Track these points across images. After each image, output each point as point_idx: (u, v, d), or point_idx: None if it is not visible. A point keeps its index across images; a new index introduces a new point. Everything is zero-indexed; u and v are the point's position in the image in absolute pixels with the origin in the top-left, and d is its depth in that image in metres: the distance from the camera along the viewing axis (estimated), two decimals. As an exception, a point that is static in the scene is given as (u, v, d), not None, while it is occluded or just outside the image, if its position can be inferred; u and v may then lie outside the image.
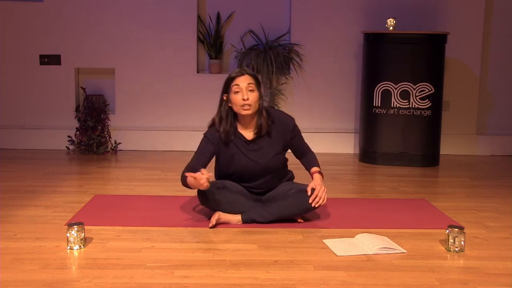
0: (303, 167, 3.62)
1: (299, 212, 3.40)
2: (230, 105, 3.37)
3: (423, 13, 5.64)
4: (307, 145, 3.60)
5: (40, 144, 5.72)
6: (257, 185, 3.48)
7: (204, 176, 3.11)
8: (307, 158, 3.58)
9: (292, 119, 3.50)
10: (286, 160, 3.55)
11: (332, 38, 5.72)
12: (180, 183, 3.36)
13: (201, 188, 3.22)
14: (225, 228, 3.32)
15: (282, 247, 3.02)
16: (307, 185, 3.42)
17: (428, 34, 5.21)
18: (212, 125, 3.45)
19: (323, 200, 3.34)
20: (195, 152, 3.44)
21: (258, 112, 3.38)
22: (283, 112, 3.55)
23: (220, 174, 3.53)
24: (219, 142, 3.39)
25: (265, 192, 3.51)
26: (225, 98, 3.39)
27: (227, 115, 3.38)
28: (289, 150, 3.56)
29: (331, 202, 3.90)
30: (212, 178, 3.28)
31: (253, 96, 3.32)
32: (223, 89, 3.40)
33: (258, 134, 3.41)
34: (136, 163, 5.22)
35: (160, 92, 5.77)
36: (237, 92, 3.31)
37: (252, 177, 3.45)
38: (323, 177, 3.47)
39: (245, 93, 3.29)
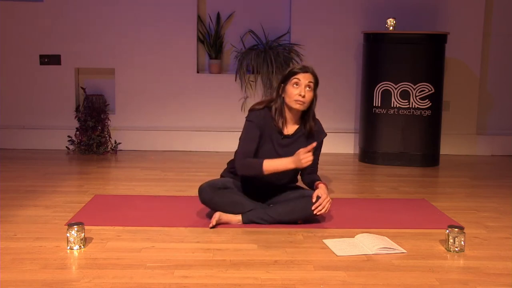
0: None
1: (299, 218, 3.39)
2: (283, 95, 3.38)
3: (423, 13, 5.64)
4: (318, 167, 3.56)
5: (40, 144, 5.72)
6: (270, 183, 3.44)
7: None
8: (313, 176, 3.52)
9: (325, 134, 3.54)
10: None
11: (332, 38, 5.72)
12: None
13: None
14: (225, 228, 3.32)
15: (282, 247, 3.02)
16: (310, 191, 3.42)
17: (428, 34, 5.21)
18: (253, 109, 3.42)
19: (326, 210, 3.33)
20: (241, 138, 3.41)
21: (307, 111, 3.41)
22: (320, 124, 3.55)
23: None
24: (261, 126, 3.36)
25: (268, 196, 3.50)
26: (281, 88, 3.38)
27: (279, 105, 3.39)
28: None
29: (331, 202, 3.90)
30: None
31: (309, 94, 3.34)
32: (282, 79, 3.39)
33: (300, 133, 3.42)
34: (136, 163, 5.22)
35: (160, 92, 5.77)
36: (296, 85, 3.32)
37: (271, 176, 3.36)
38: (327, 188, 3.46)
39: (303, 89, 3.31)
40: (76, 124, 5.64)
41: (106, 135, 5.63)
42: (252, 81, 5.64)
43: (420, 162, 5.24)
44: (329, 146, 5.74)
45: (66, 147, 5.66)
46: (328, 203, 3.33)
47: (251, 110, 3.44)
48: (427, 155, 5.28)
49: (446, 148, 5.64)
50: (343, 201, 4.00)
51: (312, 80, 3.36)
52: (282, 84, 3.38)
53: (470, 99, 5.80)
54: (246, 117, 3.43)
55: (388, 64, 5.22)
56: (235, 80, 5.70)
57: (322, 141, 3.51)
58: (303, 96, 3.31)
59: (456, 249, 3.00)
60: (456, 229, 3.00)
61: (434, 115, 5.22)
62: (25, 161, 5.18)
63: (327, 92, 5.78)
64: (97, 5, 5.66)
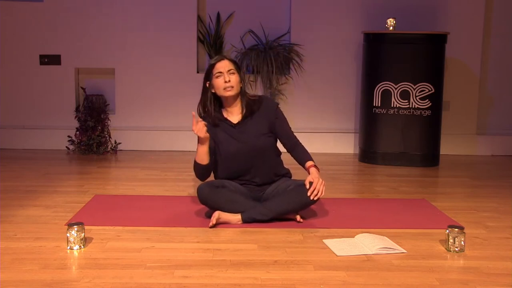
0: (300, 167, 3.60)
1: (298, 207, 3.41)
2: (213, 91, 3.50)
3: (423, 13, 5.64)
4: (295, 135, 3.62)
5: (40, 144, 5.72)
6: (252, 173, 3.49)
7: (201, 123, 3.31)
8: (298, 151, 3.58)
9: (276, 103, 3.65)
10: (275, 144, 3.58)
11: (332, 38, 5.72)
12: (193, 175, 3.47)
13: (200, 135, 3.35)
14: (225, 228, 3.32)
15: (282, 247, 3.03)
16: (302, 180, 3.45)
17: (428, 34, 5.21)
18: (200, 115, 3.58)
19: (321, 193, 3.36)
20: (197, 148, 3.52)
21: (241, 94, 3.52)
22: (268, 97, 3.67)
23: (219, 170, 3.55)
24: (210, 129, 3.46)
25: (262, 184, 3.53)
26: (207, 85, 3.50)
27: (211, 101, 3.52)
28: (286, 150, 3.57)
29: (331, 202, 3.91)
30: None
31: (234, 78, 3.45)
32: (205, 76, 3.52)
33: (246, 114, 3.51)
34: (136, 163, 5.22)
35: (160, 92, 5.77)
36: (218, 76, 3.44)
37: (245, 162, 3.47)
38: (319, 171, 3.48)
39: (226, 76, 3.43)
40: (76, 124, 5.64)
41: (106, 135, 5.63)
42: (252, 81, 5.64)
43: (420, 162, 5.24)
44: (329, 146, 5.79)
45: (66, 147, 5.66)
46: (322, 185, 3.36)
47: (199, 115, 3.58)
48: (427, 155, 5.28)
49: (446, 148, 5.64)
50: (343, 201, 4.00)
51: (232, 66, 3.46)
52: (208, 82, 3.49)
53: (470, 99, 5.80)
54: None
55: (388, 64, 5.22)
56: (235, 80, 5.69)
57: (277, 111, 3.57)
58: (229, 81, 3.42)
59: (456, 249, 3.00)
60: (456, 229, 3.00)
61: (434, 115, 5.22)
62: (25, 161, 5.18)
63: (327, 92, 5.80)
64: (97, 5, 5.66)
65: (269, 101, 3.62)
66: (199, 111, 3.58)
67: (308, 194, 3.34)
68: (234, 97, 3.50)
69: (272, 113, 3.55)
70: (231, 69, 3.45)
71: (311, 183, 3.37)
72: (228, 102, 3.52)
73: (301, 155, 3.56)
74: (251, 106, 3.52)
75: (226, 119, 3.53)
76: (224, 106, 3.55)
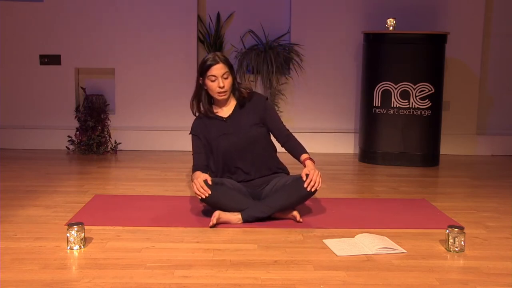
0: (298, 168, 3.60)
1: (297, 200, 3.42)
2: (205, 88, 3.56)
3: (423, 13, 5.64)
4: (287, 128, 3.66)
5: (40, 144, 5.72)
6: (246, 166, 3.53)
7: (206, 192, 3.32)
8: (292, 143, 3.62)
9: (265, 96, 3.74)
10: (268, 136, 3.63)
11: (332, 38, 5.72)
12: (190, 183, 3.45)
13: (197, 192, 3.36)
14: (225, 228, 3.32)
15: (282, 247, 3.03)
16: (297, 175, 3.46)
17: (428, 34, 5.21)
18: (193, 123, 3.66)
19: (318, 184, 3.37)
20: (192, 153, 3.62)
21: (233, 89, 3.58)
22: (257, 92, 3.74)
23: (214, 165, 3.59)
24: (202, 130, 3.57)
25: (258, 177, 3.55)
26: (200, 81, 3.57)
27: (205, 97, 3.59)
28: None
29: (331, 202, 3.91)
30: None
31: (227, 83, 3.51)
32: (199, 72, 3.56)
33: (236, 109, 3.59)
34: (136, 163, 5.22)
35: (160, 92, 5.77)
36: (213, 80, 3.49)
37: (238, 154, 3.52)
38: (314, 163, 3.50)
39: (221, 82, 3.48)
40: (76, 124, 5.64)
41: (106, 135, 5.63)
42: (252, 81, 5.64)
43: (420, 162, 5.24)
44: (329, 146, 5.78)
45: (66, 147, 5.66)
46: (318, 176, 3.37)
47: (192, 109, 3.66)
48: (427, 155, 5.28)
49: (446, 148, 5.64)
50: (343, 201, 4.00)
51: (226, 70, 3.50)
52: (201, 77, 3.55)
53: (470, 99, 5.80)
54: (189, 133, 3.66)
55: (388, 64, 5.22)
56: (235, 80, 5.69)
57: (266, 104, 3.63)
58: (223, 87, 3.48)
59: (456, 249, 3.00)
60: (456, 229, 3.00)
61: (434, 115, 5.22)
62: (25, 161, 5.18)
63: (327, 92, 5.80)
64: (97, 5, 5.66)
65: (258, 95, 3.67)
66: (192, 106, 3.64)
67: (305, 185, 3.35)
68: (226, 98, 3.58)
69: (261, 105, 3.61)
70: (225, 73, 3.49)
71: (307, 176, 3.38)
72: (219, 102, 3.61)
73: (296, 148, 3.60)
74: (242, 101, 3.60)
75: (216, 114, 3.60)
76: (215, 103, 3.63)
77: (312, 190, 3.37)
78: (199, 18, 5.78)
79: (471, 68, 5.76)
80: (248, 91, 3.60)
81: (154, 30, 5.70)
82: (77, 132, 5.59)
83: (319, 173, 3.39)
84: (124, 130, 5.74)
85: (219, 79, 3.47)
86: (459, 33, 5.57)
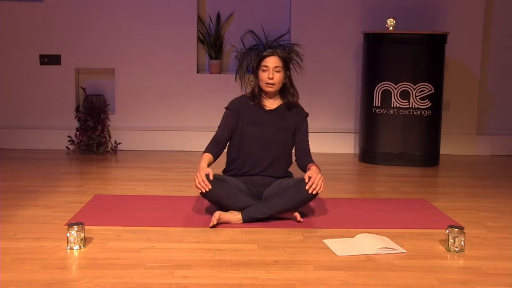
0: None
1: (298, 203, 3.41)
2: (258, 79, 3.64)
3: (423, 13, 5.64)
4: (309, 148, 3.69)
5: (40, 144, 5.72)
6: (258, 163, 3.56)
7: (206, 186, 3.34)
8: (306, 159, 3.63)
9: (307, 114, 3.74)
10: (291, 148, 3.67)
11: (332, 38, 5.72)
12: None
13: (197, 186, 3.38)
14: (225, 228, 3.32)
15: (282, 247, 3.03)
16: (301, 177, 3.45)
17: (428, 34, 5.21)
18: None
19: (320, 187, 3.36)
20: (218, 126, 3.68)
21: (283, 90, 3.65)
22: (302, 108, 3.78)
23: (232, 148, 3.63)
24: (239, 109, 3.63)
25: (262, 176, 3.57)
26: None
27: (258, 87, 3.65)
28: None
29: (331, 202, 3.91)
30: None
31: (277, 77, 3.57)
32: (256, 65, 3.66)
33: (282, 107, 3.64)
34: (136, 163, 5.22)
35: (160, 92, 5.77)
36: (264, 70, 3.57)
37: (258, 148, 3.56)
38: (319, 170, 3.49)
39: (271, 73, 3.55)
40: (76, 124, 5.64)
41: (106, 135, 5.63)
42: (252, 81, 5.62)
43: (420, 162, 5.24)
44: (329, 146, 5.78)
45: (66, 147, 5.66)
46: (321, 180, 3.37)
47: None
48: (427, 155, 5.28)
49: (446, 148, 5.64)
50: (343, 201, 4.00)
51: (279, 64, 3.57)
52: (257, 70, 3.62)
53: (470, 99, 5.80)
54: (226, 106, 3.72)
55: (388, 64, 5.22)
56: (235, 80, 5.69)
57: (304, 120, 3.70)
58: (272, 78, 3.55)
59: (456, 249, 3.00)
60: (456, 229, 3.00)
61: (434, 115, 5.22)
62: (25, 161, 5.18)
63: (327, 92, 5.80)
64: (97, 5, 5.66)
65: (302, 108, 3.73)
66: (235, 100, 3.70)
67: (307, 188, 3.35)
68: (273, 93, 3.63)
69: (302, 117, 3.69)
70: (277, 66, 3.55)
71: (309, 178, 3.38)
72: (266, 94, 3.65)
73: (307, 161, 3.62)
74: (289, 102, 3.65)
75: (259, 104, 3.64)
76: (262, 94, 3.67)
77: (314, 192, 3.36)
78: (199, 18, 5.78)
79: (471, 68, 5.76)
80: (296, 99, 3.67)
81: (154, 30, 5.70)
82: (77, 132, 5.59)
83: (322, 177, 3.38)
84: (124, 130, 5.74)
85: (270, 70, 3.54)
86: (459, 33, 5.57)
